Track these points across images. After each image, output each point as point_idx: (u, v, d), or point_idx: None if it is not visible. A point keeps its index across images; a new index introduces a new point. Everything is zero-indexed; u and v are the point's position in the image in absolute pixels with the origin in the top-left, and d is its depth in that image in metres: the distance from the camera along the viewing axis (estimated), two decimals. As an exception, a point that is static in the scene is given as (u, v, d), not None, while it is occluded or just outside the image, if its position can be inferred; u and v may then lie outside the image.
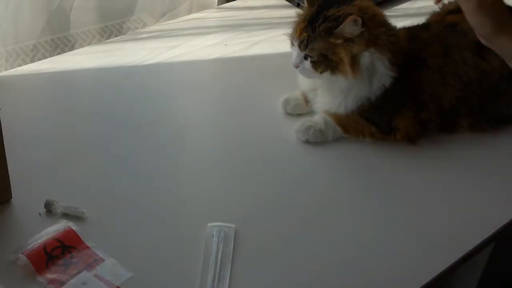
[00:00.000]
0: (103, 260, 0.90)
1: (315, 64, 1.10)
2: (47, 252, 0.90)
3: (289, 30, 1.15)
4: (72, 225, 0.94)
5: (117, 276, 0.88)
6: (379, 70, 1.10)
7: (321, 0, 1.11)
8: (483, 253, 1.18)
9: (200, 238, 0.96)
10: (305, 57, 1.11)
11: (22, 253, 0.89)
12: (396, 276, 0.92)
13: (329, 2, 1.10)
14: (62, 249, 0.91)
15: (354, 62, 1.08)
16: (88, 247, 0.92)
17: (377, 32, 1.09)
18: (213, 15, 1.58)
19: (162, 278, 0.89)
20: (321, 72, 1.11)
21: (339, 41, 1.07)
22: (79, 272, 0.88)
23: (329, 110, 1.16)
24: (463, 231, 1.00)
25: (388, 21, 1.13)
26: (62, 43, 1.44)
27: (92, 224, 0.96)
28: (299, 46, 1.10)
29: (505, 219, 1.03)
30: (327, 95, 1.16)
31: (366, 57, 1.09)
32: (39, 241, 0.91)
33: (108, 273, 0.88)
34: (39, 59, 1.38)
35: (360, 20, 1.05)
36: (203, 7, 1.63)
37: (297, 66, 1.13)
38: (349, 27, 1.06)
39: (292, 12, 1.48)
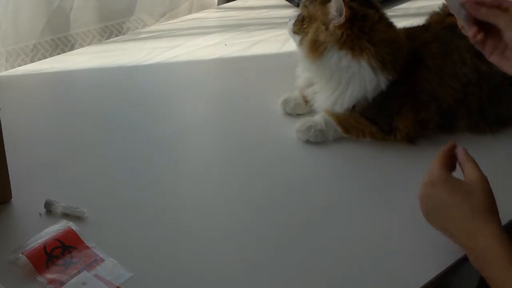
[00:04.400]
0: (103, 260, 0.90)
1: (296, 21, 1.14)
2: (47, 252, 0.90)
3: None
4: (72, 225, 0.94)
5: (117, 276, 0.88)
6: (362, 75, 1.10)
7: None
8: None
9: (199, 238, 0.96)
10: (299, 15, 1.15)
11: (22, 253, 0.89)
12: (396, 276, 0.92)
13: None
14: (62, 249, 0.91)
15: (316, 49, 1.10)
16: (88, 247, 0.92)
17: (363, 39, 1.09)
18: (213, 15, 1.58)
19: (162, 278, 0.89)
20: (294, 32, 1.14)
21: (318, 14, 1.10)
22: (79, 272, 0.88)
23: (328, 109, 1.16)
24: (463, 231, 1.00)
25: (387, 21, 1.13)
26: (62, 43, 1.44)
27: (92, 224, 0.96)
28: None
29: (505, 219, 1.03)
30: (324, 92, 1.16)
31: (333, 57, 1.10)
32: (39, 241, 0.91)
33: (108, 273, 0.88)
34: (39, 59, 1.38)
35: (344, 12, 1.06)
36: (203, 7, 1.63)
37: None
38: (333, 7, 1.07)
39: (292, 12, 1.47)
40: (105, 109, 1.22)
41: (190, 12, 1.62)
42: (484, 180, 0.89)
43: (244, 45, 1.43)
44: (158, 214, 0.99)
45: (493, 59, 0.91)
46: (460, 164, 0.93)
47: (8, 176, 0.97)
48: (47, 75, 1.30)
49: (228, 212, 1.02)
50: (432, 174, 0.90)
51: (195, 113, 1.24)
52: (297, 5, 1.57)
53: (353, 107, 1.13)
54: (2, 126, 0.91)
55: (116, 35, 1.51)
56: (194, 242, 0.95)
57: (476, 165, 0.91)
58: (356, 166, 1.13)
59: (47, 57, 1.39)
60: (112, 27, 1.51)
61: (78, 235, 0.93)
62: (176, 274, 0.90)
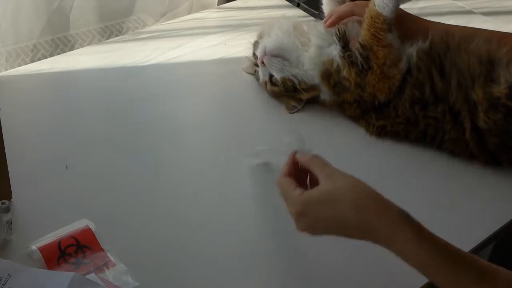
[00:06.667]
0: (114, 265, 0.89)
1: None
2: (61, 249, 0.89)
3: None
4: (92, 225, 0.93)
5: (123, 283, 0.86)
6: None
7: None
8: (483, 253, 1.18)
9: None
10: None
11: (36, 247, 0.88)
12: (396, 276, 0.92)
13: None
14: (77, 248, 0.90)
15: None
16: (102, 250, 0.91)
17: None
18: (213, 15, 1.58)
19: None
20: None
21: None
22: (87, 274, 0.87)
23: None
24: (463, 231, 1.00)
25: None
26: (62, 43, 1.44)
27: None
28: None
29: (505, 219, 1.03)
30: None
31: None
32: (54, 237, 0.90)
33: (115, 279, 0.87)
34: (39, 59, 1.38)
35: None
36: (203, 7, 1.63)
37: None
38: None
39: (292, 12, 1.47)
40: (105, 109, 1.22)
41: (190, 12, 1.62)
42: (339, 185, 0.84)
43: (245, 45, 1.42)
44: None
45: None
46: (310, 172, 0.87)
47: (8, 176, 0.97)
48: (47, 75, 1.30)
49: (228, 213, 1.01)
50: (294, 204, 0.83)
51: (195, 114, 1.23)
52: (298, 5, 1.58)
53: None
54: (2, 126, 0.91)
55: (116, 35, 1.50)
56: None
57: (324, 166, 0.85)
58: (355, 166, 1.13)
59: (47, 57, 1.39)
60: (112, 27, 1.51)
61: (95, 236, 0.92)
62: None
